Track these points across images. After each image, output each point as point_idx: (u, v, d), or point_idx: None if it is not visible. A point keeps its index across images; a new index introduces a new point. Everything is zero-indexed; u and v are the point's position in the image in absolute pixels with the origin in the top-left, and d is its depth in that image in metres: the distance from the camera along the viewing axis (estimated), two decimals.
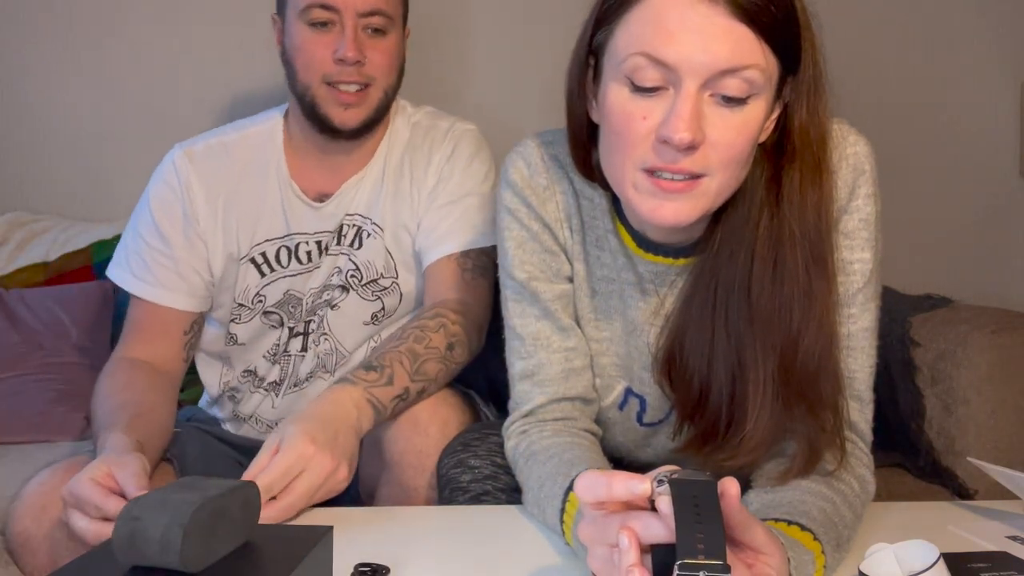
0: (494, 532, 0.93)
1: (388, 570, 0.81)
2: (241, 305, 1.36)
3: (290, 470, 0.94)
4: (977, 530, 0.95)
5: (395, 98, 1.36)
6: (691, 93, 0.78)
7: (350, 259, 1.35)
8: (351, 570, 0.80)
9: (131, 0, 2.03)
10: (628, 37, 0.81)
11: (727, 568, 0.58)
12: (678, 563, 0.58)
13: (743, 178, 0.86)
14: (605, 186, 0.93)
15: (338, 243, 1.35)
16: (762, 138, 0.86)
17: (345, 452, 1.00)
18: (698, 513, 0.60)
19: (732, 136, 0.80)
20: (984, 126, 2.07)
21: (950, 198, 2.08)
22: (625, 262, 0.99)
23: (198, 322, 1.35)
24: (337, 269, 1.36)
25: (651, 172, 0.82)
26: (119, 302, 1.73)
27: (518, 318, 1.03)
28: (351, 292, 1.36)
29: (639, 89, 0.81)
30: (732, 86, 0.79)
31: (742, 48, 0.77)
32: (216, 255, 1.33)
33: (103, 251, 1.86)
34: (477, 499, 1.01)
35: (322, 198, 1.35)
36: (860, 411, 0.94)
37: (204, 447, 1.35)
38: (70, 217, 2.00)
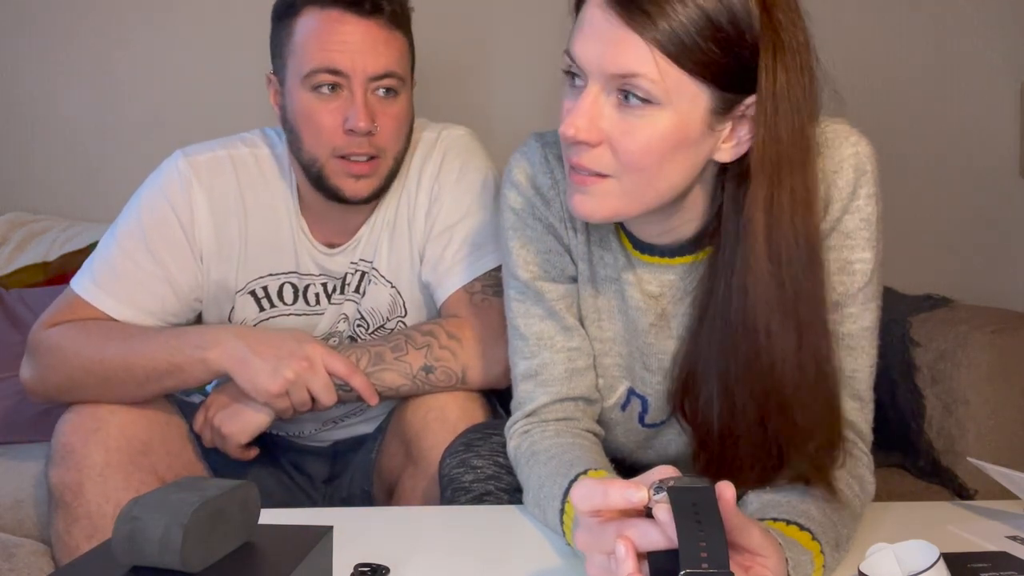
0: (494, 532, 0.93)
1: (388, 570, 0.81)
2: None
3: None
4: (977, 530, 0.95)
5: (403, 160, 1.27)
6: (591, 93, 0.82)
7: (357, 308, 1.32)
8: (351, 570, 0.80)
9: (132, 2, 2.03)
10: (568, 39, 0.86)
11: (731, 575, 0.58)
12: (682, 573, 0.58)
13: (664, 190, 0.86)
14: None
15: (342, 291, 1.31)
16: (724, 158, 0.85)
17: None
18: (699, 521, 0.60)
19: (628, 142, 0.82)
20: (984, 126, 2.07)
21: (950, 198, 2.07)
22: (625, 262, 0.99)
23: None
24: (343, 316, 1.32)
25: (572, 167, 0.86)
26: None
27: (522, 318, 1.03)
28: (358, 341, 1.32)
29: (569, 87, 0.86)
30: (627, 88, 0.81)
31: (628, 56, 0.79)
32: (209, 280, 1.26)
33: None
34: (479, 499, 1.00)
35: (332, 246, 1.29)
36: (860, 411, 0.93)
37: None
38: (70, 217, 2.01)
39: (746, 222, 0.84)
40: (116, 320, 1.22)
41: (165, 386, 1.18)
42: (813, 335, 0.84)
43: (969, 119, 2.06)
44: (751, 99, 0.82)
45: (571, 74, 0.85)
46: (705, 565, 0.58)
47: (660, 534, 0.62)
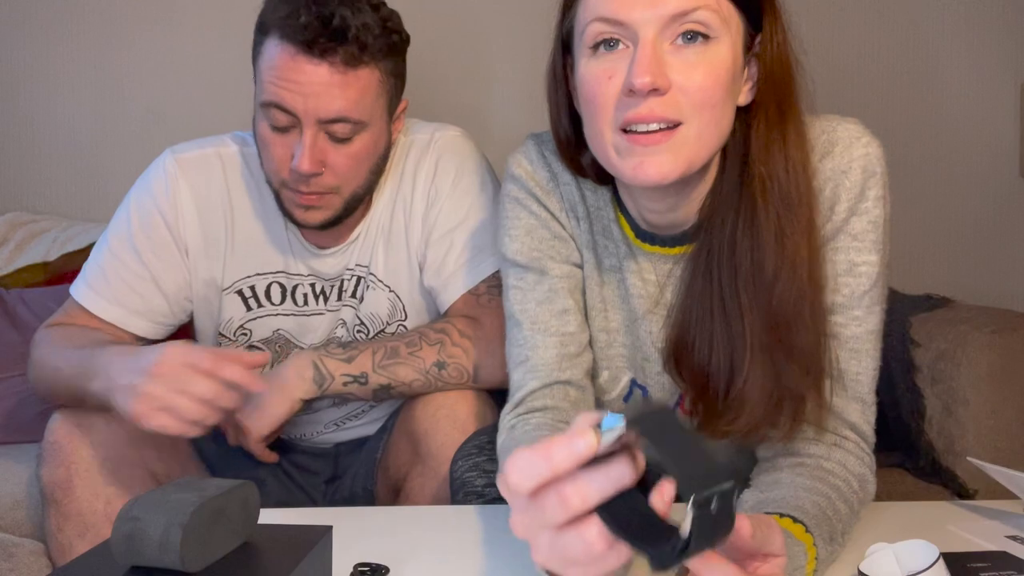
0: (493, 531, 0.93)
1: (387, 570, 0.81)
2: (223, 336, 1.31)
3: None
4: (977, 530, 0.95)
5: (373, 189, 1.24)
6: (648, 40, 0.82)
7: (356, 314, 1.31)
8: (351, 570, 0.80)
9: (131, 1, 2.03)
10: (585, 11, 0.86)
11: (735, 486, 0.53)
12: (692, 500, 0.52)
13: (724, 130, 0.87)
14: (598, 180, 0.95)
15: (339, 297, 1.30)
16: (741, 101, 0.88)
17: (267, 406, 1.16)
18: (679, 442, 0.53)
19: (699, 77, 0.82)
20: (984, 126, 2.07)
21: (950, 198, 2.08)
22: (627, 251, 1.00)
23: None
24: (341, 322, 1.31)
25: (627, 131, 0.84)
26: None
27: (518, 304, 1.02)
28: None
29: (593, 54, 0.85)
30: (688, 28, 0.82)
31: None
32: (196, 278, 1.26)
33: None
34: (492, 504, 1.00)
35: (324, 247, 1.28)
36: (862, 413, 0.93)
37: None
38: (70, 217, 2.01)
39: (756, 151, 0.87)
40: (101, 326, 1.23)
41: (104, 404, 1.09)
42: (793, 242, 0.87)
43: (969, 119, 2.06)
44: (758, 38, 0.87)
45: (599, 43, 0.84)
46: (708, 481, 0.52)
47: (607, 478, 0.54)
